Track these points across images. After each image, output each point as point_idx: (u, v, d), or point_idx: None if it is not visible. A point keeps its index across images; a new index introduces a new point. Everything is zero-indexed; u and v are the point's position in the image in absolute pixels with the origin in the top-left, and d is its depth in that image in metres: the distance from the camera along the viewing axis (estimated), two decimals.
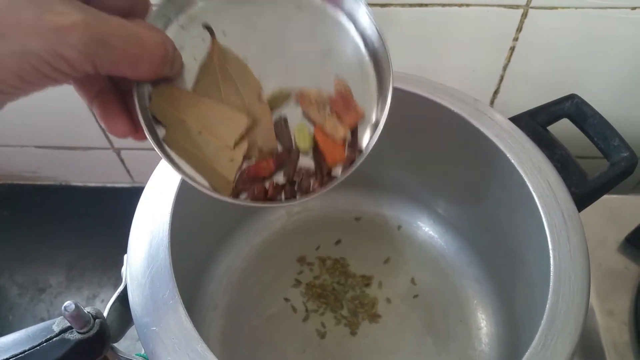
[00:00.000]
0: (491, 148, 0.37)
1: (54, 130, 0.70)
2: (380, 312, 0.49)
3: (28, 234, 0.79)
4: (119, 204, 0.70)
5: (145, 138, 0.27)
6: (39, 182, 0.81)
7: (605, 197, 0.59)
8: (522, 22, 0.53)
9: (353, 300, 0.50)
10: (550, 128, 0.42)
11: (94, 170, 0.79)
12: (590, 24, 0.53)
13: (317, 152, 0.28)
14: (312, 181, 0.27)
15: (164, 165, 0.37)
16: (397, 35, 0.54)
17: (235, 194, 0.27)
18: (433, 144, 0.44)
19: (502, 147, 0.36)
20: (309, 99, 0.28)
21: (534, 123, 0.39)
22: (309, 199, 0.27)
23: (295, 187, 0.27)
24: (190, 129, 0.27)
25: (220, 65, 0.27)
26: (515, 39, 0.55)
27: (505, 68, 0.59)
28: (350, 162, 0.27)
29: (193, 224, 0.40)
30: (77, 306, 0.27)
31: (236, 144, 0.27)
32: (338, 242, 0.53)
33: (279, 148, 0.28)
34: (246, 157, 0.27)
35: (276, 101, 0.28)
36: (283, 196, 0.28)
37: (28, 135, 0.72)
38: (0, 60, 0.20)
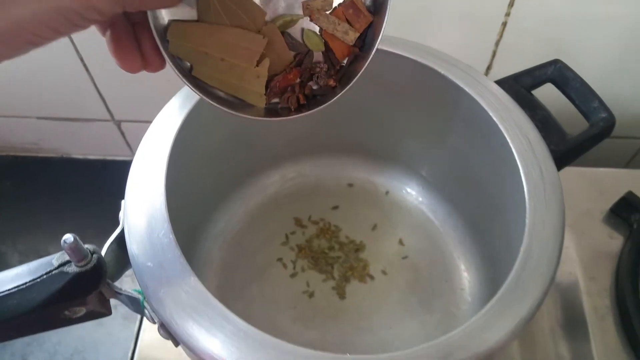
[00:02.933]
0: (475, 108, 0.39)
1: (55, 101, 0.72)
2: (369, 273, 0.51)
3: (30, 204, 0.80)
4: (118, 177, 0.72)
5: (160, 67, 0.28)
6: (40, 154, 0.83)
7: (592, 169, 0.61)
8: None
9: (343, 264, 0.52)
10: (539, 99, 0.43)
11: (95, 143, 0.80)
12: (583, 1, 0.54)
13: (326, 51, 0.30)
14: (325, 78, 0.30)
15: (161, 118, 0.39)
16: (390, 10, 0.55)
17: (269, 105, 0.30)
18: (419, 106, 0.46)
19: (484, 105, 0.38)
20: (317, 10, 0.29)
21: (518, 86, 0.40)
22: (335, 99, 0.29)
23: (315, 87, 0.30)
24: (212, 58, 0.28)
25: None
26: (507, 14, 0.56)
27: (497, 43, 0.60)
28: (357, 52, 0.30)
29: (189, 178, 0.41)
30: (75, 239, 0.29)
31: (258, 61, 0.29)
32: (335, 207, 0.55)
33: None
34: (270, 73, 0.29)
35: (284, 26, 0.29)
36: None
37: (30, 106, 0.73)
38: (37, 18, 0.21)
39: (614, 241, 0.56)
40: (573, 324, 0.51)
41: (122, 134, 0.77)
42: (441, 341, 0.28)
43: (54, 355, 0.69)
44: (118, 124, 0.75)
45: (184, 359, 0.47)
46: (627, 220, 0.56)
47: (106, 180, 0.83)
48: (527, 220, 0.32)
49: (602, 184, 0.60)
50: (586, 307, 0.51)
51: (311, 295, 0.50)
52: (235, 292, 0.49)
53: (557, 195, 0.34)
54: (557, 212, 0.33)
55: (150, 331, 0.50)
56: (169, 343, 0.45)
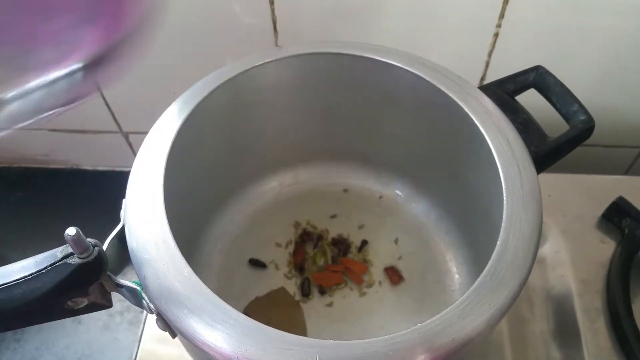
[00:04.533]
0: (460, 112, 0.41)
1: (66, 113, 0.74)
2: (363, 276, 0.53)
3: (40, 214, 0.83)
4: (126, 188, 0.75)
5: None
6: (51, 166, 0.85)
7: (584, 176, 0.62)
8: (504, 8, 0.56)
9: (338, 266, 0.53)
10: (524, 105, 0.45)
11: (104, 154, 0.83)
12: (572, 12, 0.56)
13: None
14: None
15: (161, 122, 0.41)
16: (385, 22, 0.58)
17: None
18: (409, 113, 0.48)
19: (467, 109, 0.39)
20: None
21: (501, 91, 0.42)
22: None
23: None
24: None
25: None
26: (499, 26, 0.58)
27: (490, 55, 0.62)
28: None
29: (188, 180, 0.43)
30: (78, 232, 0.31)
31: None
32: (333, 214, 0.57)
33: None
34: None
35: None
36: None
37: (41, 118, 0.76)
38: None
39: (605, 246, 0.57)
40: (565, 326, 0.52)
41: (130, 145, 0.80)
42: (420, 328, 0.30)
43: (62, 359, 0.71)
44: (126, 135, 0.78)
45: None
46: (618, 226, 0.57)
47: (116, 191, 0.85)
48: (504, 216, 0.34)
49: (594, 190, 0.61)
50: (578, 310, 0.52)
51: (307, 296, 0.51)
52: (234, 295, 0.51)
53: (534, 192, 0.35)
54: (534, 208, 0.35)
55: (152, 334, 0.52)
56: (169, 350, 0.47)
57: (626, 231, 0.56)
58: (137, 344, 0.53)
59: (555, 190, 0.60)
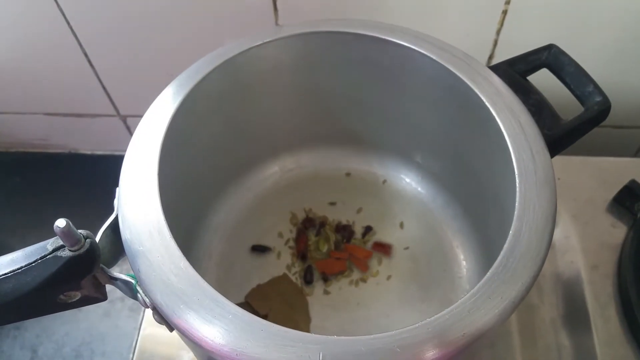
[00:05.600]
0: (468, 93, 0.39)
1: (62, 97, 0.73)
2: (369, 264, 0.51)
3: (39, 199, 0.82)
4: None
5: None
6: (49, 150, 0.84)
7: (595, 159, 0.60)
8: None
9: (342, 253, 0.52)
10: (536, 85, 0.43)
11: (102, 138, 0.81)
12: None
13: None
14: None
15: (155, 106, 0.39)
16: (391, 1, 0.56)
17: None
18: (414, 94, 0.46)
19: (476, 89, 0.38)
20: None
21: (512, 71, 0.40)
22: None
23: None
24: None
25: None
26: (507, 3, 0.56)
27: (498, 32, 0.60)
28: None
29: (186, 166, 0.42)
30: (68, 223, 0.29)
31: None
32: (334, 199, 0.55)
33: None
34: None
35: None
36: None
37: (38, 102, 0.74)
38: None
39: (617, 230, 0.55)
40: (574, 313, 0.51)
41: (128, 128, 0.78)
42: (429, 322, 0.29)
43: (62, 346, 0.70)
44: (124, 119, 0.76)
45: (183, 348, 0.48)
46: (630, 210, 0.56)
47: (114, 175, 0.84)
48: (517, 203, 0.32)
49: (605, 173, 0.59)
50: (588, 296, 0.51)
51: (309, 284, 0.50)
52: (234, 284, 0.49)
53: (548, 178, 0.34)
54: (548, 195, 0.33)
55: (152, 321, 0.51)
56: (169, 337, 0.46)
57: (638, 215, 0.55)
58: (137, 331, 0.52)
59: (565, 173, 0.58)
